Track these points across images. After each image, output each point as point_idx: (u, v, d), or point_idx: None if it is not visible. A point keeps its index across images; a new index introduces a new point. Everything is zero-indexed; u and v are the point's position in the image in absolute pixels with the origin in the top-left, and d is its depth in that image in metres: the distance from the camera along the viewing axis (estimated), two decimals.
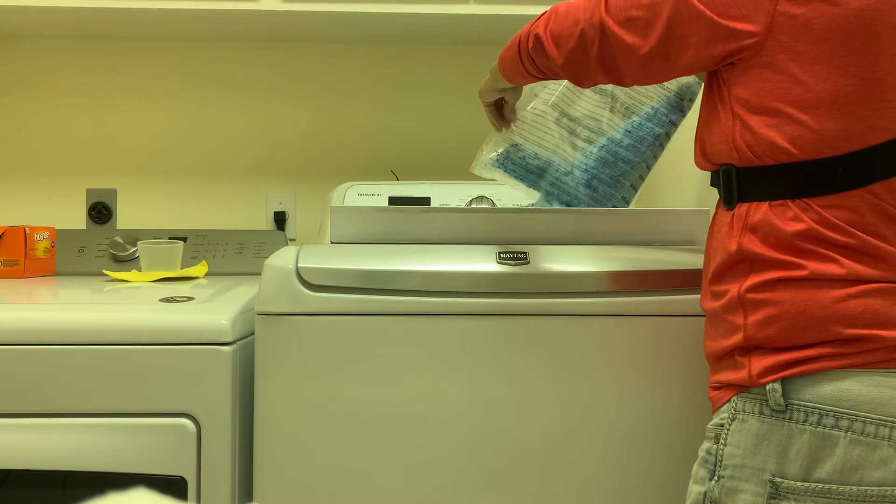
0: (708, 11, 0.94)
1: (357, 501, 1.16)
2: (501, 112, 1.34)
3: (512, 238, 1.25)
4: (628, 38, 0.99)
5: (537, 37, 1.08)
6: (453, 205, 1.79)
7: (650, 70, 1.02)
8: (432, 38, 2.04)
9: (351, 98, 2.12)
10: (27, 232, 1.66)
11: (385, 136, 2.12)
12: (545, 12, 1.11)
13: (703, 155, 1.03)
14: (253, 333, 1.20)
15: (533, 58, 1.10)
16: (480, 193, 1.77)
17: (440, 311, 1.16)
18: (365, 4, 1.79)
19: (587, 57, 1.04)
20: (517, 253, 1.18)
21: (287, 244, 1.90)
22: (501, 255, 1.18)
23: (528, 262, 1.17)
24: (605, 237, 1.27)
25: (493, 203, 1.74)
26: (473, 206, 1.73)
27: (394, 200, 1.81)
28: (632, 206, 1.42)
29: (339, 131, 2.12)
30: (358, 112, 2.12)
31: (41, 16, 1.86)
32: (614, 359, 1.17)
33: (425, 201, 1.82)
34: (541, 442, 1.17)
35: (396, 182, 1.88)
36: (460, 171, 2.05)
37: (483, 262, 1.17)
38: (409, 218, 1.26)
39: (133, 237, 1.87)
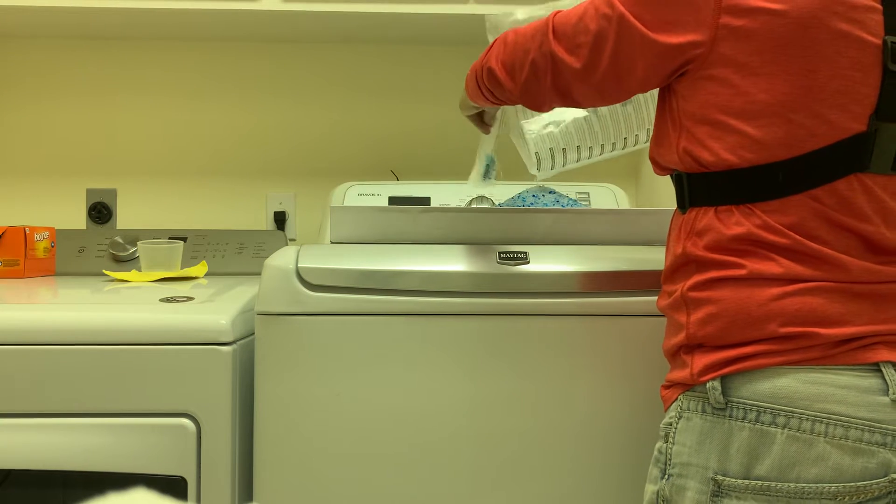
0: (650, 33, 0.94)
1: (356, 501, 1.16)
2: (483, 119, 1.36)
3: (512, 238, 1.25)
4: (579, 65, 1.00)
5: (490, 70, 1.10)
6: (453, 205, 1.79)
7: (605, 93, 1.03)
8: (432, 38, 2.04)
9: (351, 98, 2.12)
10: (27, 232, 1.66)
11: (385, 136, 2.12)
12: (495, 42, 1.12)
13: (656, 164, 1.05)
14: (253, 333, 1.20)
15: (490, 89, 1.12)
16: (480, 193, 1.77)
17: (440, 312, 1.16)
18: (365, 4, 1.79)
19: (541, 86, 1.05)
20: (517, 253, 1.18)
21: (287, 244, 1.90)
22: (501, 255, 1.18)
23: (528, 262, 1.17)
24: (606, 237, 1.27)
25: (493, 203, 1.74)
26: (473, 206, 1.73)
27: (394, 200, 1.81)
28: (631, 207, 1.42)
29: (339, 131, 2.12)
30: (358, 112, 2.12)
31: (41, 16, 1.86)
32: (615, 358, 1.17)
33: (425, 201, 1.82)
34: (541, 442, 1.17)
35: (396, 182, 1.88)
36: (460, 171, 2.05)
37: (483, 262, 1.17)
38: (408, 218, 1.26)
39: (133, 237, 1.87)
